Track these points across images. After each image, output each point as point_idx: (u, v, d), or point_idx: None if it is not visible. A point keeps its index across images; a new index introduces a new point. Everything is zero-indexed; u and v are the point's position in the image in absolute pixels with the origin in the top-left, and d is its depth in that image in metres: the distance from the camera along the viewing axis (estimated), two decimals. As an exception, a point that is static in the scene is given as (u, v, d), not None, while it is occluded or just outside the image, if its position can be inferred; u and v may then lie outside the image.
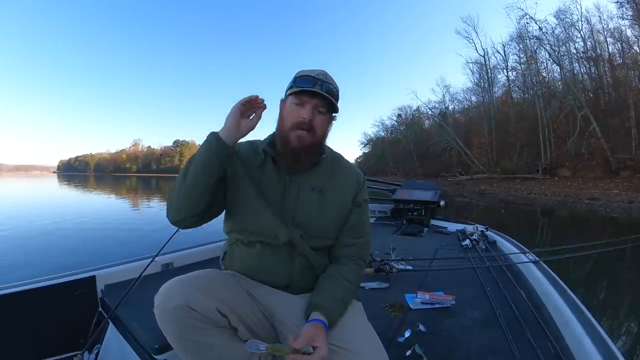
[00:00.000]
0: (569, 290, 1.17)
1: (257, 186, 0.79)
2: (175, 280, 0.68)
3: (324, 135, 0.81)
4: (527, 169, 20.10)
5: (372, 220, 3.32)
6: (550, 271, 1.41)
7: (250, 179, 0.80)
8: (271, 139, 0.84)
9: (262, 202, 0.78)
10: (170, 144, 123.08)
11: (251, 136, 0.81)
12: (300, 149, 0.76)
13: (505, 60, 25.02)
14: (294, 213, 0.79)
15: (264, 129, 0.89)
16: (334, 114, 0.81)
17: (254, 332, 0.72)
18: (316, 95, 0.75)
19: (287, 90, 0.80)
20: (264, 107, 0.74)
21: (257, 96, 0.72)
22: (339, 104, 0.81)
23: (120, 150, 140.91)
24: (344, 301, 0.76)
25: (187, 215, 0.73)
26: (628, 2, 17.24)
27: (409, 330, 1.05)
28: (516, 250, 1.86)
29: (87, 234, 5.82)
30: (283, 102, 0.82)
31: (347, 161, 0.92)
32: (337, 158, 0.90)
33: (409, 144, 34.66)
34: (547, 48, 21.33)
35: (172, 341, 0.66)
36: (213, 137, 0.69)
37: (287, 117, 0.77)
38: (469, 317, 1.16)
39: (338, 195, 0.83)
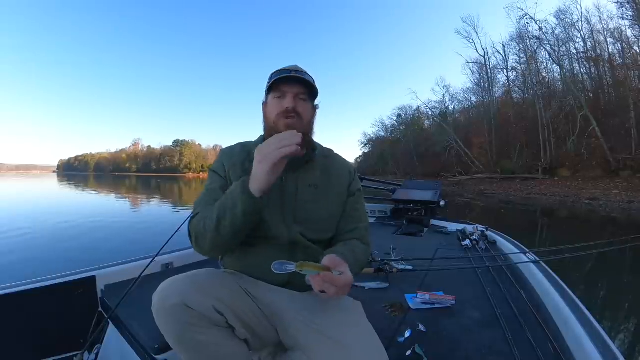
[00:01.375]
0: (569, 290, 1.17)
1: None
2: (173, 279, 0.68)
3: (311, 123, 0.83)
4: (527, 169, 20.09)
5: (372, 220, 3.32)
6: (550, 271, 1.41)
7: None
8: (263, 140, 0.83)
9: None
10: (170, 143, 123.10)
11: (241, 138, 0.81)
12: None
13: (505, 60, 25.07)
14: (295, 210, 0.80)
15: (254, 132, 0.87)
16: (315, 104, 0.84)
17: (253, 330, 0.72)
18: (294, 83, 0.77)
19: (266, 92, 0.82)
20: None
21: (298, 144, 0.65)
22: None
23: (120, 150, 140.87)
24: (357, 259, 0.77)
25: (224, 253, 0.81)
26: (628, 2, 17.24)
27: (409, 330, 1.05)
28: (516, 250, 1.86)
29: (87, 234, 5.81)
30: (265, 103, 0.84)
31: (338, 155, 0.94)
32: (329, 153, 0.92)
33: (409, 144, 34.64)
34: (547, 48, 21.37)
35: (169, 340, 0.66)
36: (250, 200, 0.66)
37: (271, 111, 0.79)
38: (469, 317, 1.16)
39: (334, 189, 0.85)
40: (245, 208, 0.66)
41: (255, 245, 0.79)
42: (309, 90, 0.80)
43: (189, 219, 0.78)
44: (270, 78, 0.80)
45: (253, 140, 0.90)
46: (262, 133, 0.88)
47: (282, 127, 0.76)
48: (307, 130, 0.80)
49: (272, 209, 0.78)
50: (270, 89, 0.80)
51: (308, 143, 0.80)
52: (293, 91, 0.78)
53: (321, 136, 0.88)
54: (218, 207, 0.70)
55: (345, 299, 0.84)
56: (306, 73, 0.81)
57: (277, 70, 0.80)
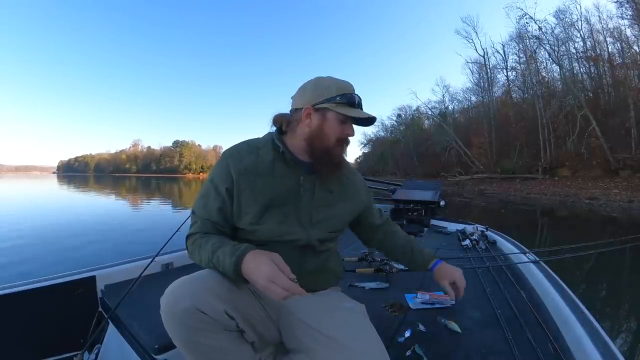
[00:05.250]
0: (569, 290, 1.17)
1: (269, 192, 0.77)
2: (181, 281, 0.66)
3: None
4: (526, 169, 20.10)
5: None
6: (550, 271, 1.41)
7: (260, 188, 0.77)
8: (278, 140, 0.81)
9: (277, 207, 0.77)
10: (170, 144, 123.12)
11: (241, 138, 0.83)
12: (342, 161, 0.83)
13: (505, 60, 25.07)
14: (311, 213, 0.80)
15: (255, 131, 0.88)
16: None
17: (260, 333, 0.72)
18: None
19: (326, 99, 0.77)
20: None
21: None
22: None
23: (120, 151, 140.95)
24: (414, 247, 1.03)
25: None
26: (627, 2, 17.26)
27: (409, 330, 1.05)
28: (516, 250, 1.86)
29: (87, 234, 5.81)
30: (317, 111, 0.78)
31: (348, 162, 0.95)
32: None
33: (409, 144, 34.62)
34: (547, 48, 21.37)
35: (178, 344, 0.65)
36: (240, 278, 0.65)
37: (331, 133, 0.79)
38: (469, 317, 1.16)
39: (347, 194, 0.89)
40: (235, 278, 0.66)
41: (265, 246, 0.76)
42: None
43: (188, 235, 0.79)
44: (345, 97, 0.77)
45: (258, 137, 0.87)
46: (273, 131, 0.85)
47: (338, 153, 0.81)
48: None
49: (288, 211, 0.78)
50: (337, 103, 0.77)
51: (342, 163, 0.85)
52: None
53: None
54: (212, 258, 0.68)
55: (349, 301, 0.84)
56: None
57: (351, 93, 0.78)
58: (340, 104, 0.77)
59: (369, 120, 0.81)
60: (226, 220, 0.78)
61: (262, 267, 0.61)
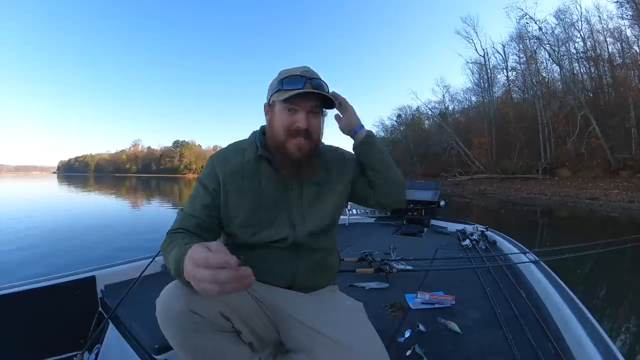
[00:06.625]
0: (569, 290, 1.17)
1: (257, 193, 0.77)
2: (177, 283, 0.66)
3: (321, 136, 0.80)
4: (527, 169, 20.09)
5: (372, 220, 3.33)
6: (550, 271, 1.42)
7: (247, 189, 0.77)
8: (262, 140, 0.80)
9: (267, 208, 0.77)
10: (170, 144, 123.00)
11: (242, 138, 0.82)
12: (302, 158, 0.74)
13: (505, 60, 25.06)
14: (302, 212, 0.79)
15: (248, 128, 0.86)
16: (325, 109, 0.79)
17: (258, 334, 0.72)
18: (308, 96, 0.72)
19: (272, 93, 0.76)
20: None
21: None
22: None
23: (120, 151, 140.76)
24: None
25: None
26: (628, 2, 17.25)
27: (409, 330, 1.05)
28: (516, 250, 1.86)
29: (87, 234, 5.81)
30: (270, 107, 0.78)
31: (333, 147, 0.91)
32: (329, 149, 0.89)
33: (409, 144, 34.59)
34: (547, 48, 21.38)
35: (174, 345, 0.65)
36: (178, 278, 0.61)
37: (279, 125, 0.74)
38: (469, 317, 1.16)
39: (336, 183, 0.84)
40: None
41: (259, 248, 0.78)
42: (322, 97, 0.74)
43: (168, 230, 0.76)
44: (281, 83, 0.72)
45: (244, 138, 0.86)
46: (258, 129, 0.84)
47: (292, 149, 0.73)
48: (316, 147, 0.77)
49: (279, 212, 0.77)
50: (278, 91, 0.74)
51: (316, 152, 0.79)
52: (307, 106, 0.72)
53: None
54: (168, 256, 0.64)
55: (347, 300, 0.84)
56: (319, 79, 0.74)
57: (289, 76, 0.72)
58: (278, 91, 0.73)
59: (313, 93, 0.71)
60: (210, 217, 0.76)
61: (193, 254, 0.51)
